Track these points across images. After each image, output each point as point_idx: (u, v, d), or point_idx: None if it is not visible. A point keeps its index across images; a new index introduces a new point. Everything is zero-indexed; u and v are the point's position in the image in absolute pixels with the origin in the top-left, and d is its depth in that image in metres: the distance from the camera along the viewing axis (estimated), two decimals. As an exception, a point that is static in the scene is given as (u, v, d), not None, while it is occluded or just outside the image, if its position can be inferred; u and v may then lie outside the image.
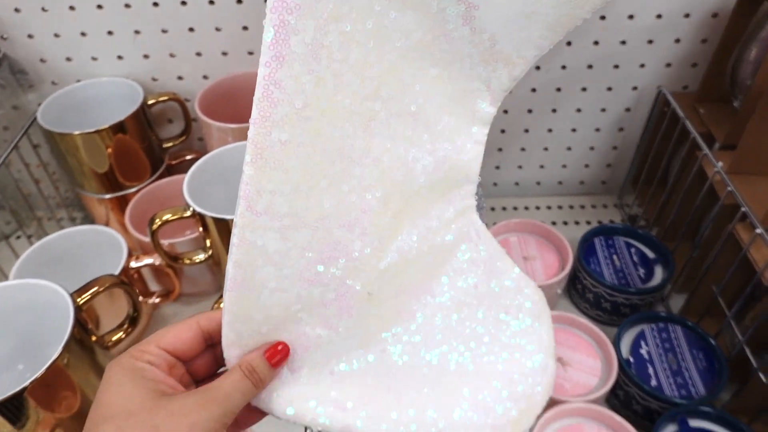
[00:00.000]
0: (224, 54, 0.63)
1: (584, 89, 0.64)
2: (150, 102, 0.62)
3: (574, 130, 0.68)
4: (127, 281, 0.50)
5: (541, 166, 0.72)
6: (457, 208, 0.31)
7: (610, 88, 0.64)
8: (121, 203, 0.63)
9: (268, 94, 0.25)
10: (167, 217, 0.50)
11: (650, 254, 0.60)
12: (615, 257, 0.60)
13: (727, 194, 0.49)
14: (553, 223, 0.71)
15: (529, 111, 0.67)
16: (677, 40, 0.60)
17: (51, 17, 0.60)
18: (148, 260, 0.55)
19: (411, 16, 0.26)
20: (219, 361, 0.28)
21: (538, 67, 0.62)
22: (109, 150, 0.59)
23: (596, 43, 0.60)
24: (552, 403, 0.46)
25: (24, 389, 0.38)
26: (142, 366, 0.25)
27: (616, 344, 0.51)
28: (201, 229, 0.52)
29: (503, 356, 0.30)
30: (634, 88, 0.64)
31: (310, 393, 0.28)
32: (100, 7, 0.59)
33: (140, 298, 0.53)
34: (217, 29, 0.61)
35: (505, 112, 0.67)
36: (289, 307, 0.27)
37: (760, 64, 0.49)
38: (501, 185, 0.74)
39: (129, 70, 0.64)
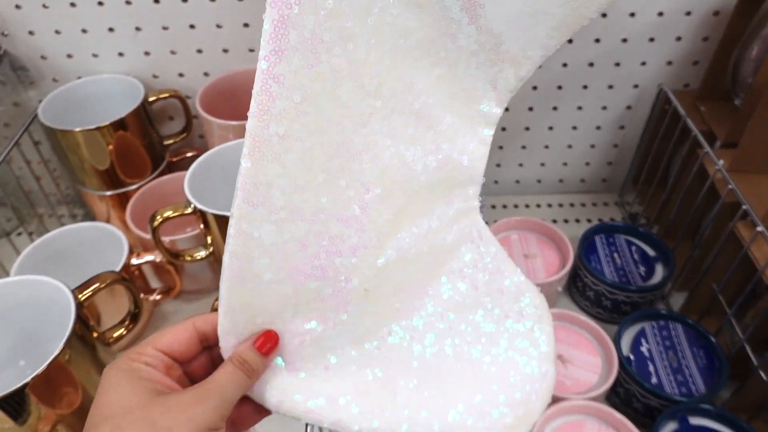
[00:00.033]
0: (225, 51, 0.63)
1: (585, 87, 0.64)
2: (151, 99, 0.62)
3: (574, 128, 0.68)
4: (128, 278, 0.50)
5: (542, 164, 0.72)
6: (460, 208, 0.30)
7: (611, 86, 0.64)
8: (122, 200, 0.63)
9: (266, 88, 0.25)
10: (168, 214, 0.50)
11: (651, 252, 0.60)
12: (616, 255, 0.60)
13: (728, 192, 0.49)
14: (554, 221, 0.71)
15: (530, 109, 0.67)
16: (678, 38, 0.60)
17: (52, 14, 0.60)
18: (149, 257, 0.55)
19: (414, 14, 0.26)
20: (216, 364, 0.28)
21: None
22: (110, 147, 0.59)
23: (597, 40, 0.60)
24: (552, 400, 0.46)
25: (25, 385, 0.39)
26: (138, 367, 0.25)
27: (617, 342, 0.51)
28: (202, 226, 0.52)
29: (501, 360, 0.29)
30: (635, 86, 0.64)
31: (303, 386, 0.28)
32: (100, 3, 0.59)
33: (141, 295, 0.53)
34: (218, 26, 0.61)
35: (506, 109, 0.66)
36: (286, 299, 0.27)
37: (761, 62, 0.49)
38: (502, 183, 0.74)
39: (130, 67, 0.64)
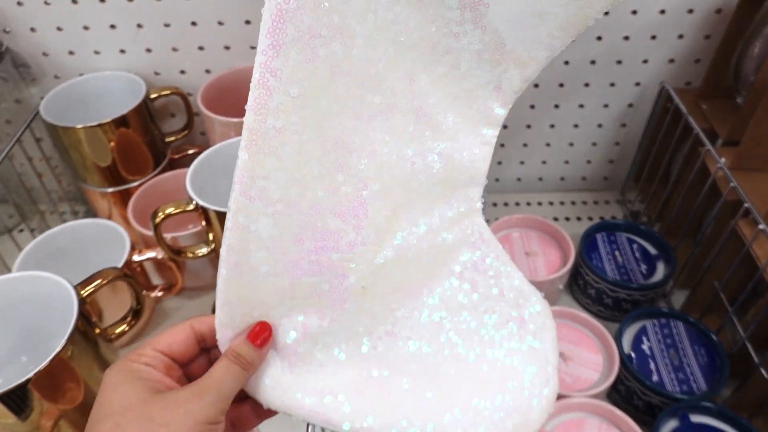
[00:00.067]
0: (227, 48, 0.63)
1: (587, 85, 0.64)
2: (152, 96, 0.62)
3: (576, 125, 0.68)
4: (130, 274, 0.50)
5: (543, 162, 0.72)
6: (462, 209, 0.30)
7: (612, 84, 0.64)
8: (124, 197, 0.63)
9: (264, 82, 0.25)
10: (170, 210, 0.50)
11: (652, 250, 0.60)
12: (617, 253, 0.60)
13: (730, 190, 0.49)
14: (555, 219, 0.71)
15: (532, 106, 0.67)
16: (680, 36, 0.60)
17: (54, 11, 0.60)
18: (150, 254, 0.55)
19: (416, 11, 0.26)
20: None
21: (541, 63, 0.62)
22: (112, 144, 0.59)
23: (599, 38, 0.60)
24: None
25: (28, 381, 0.39)
26: (138, 368, 0.26)
27: (618, 339, 0.51)
28: (204, 222, 0.52)
29: (500, 365, 0.29)
30: (637, 84, 0.64)
31: (296, 382, 0.28)
32: (102, 0, 0.59)
33: (143, 292, 0.53)
34: (220, 23, 0.61)
35: (508, 107, 0.67)
36: (282, 293, 0.28)
37: (763, 60, 0.49)
38: (503, 181, 0.74)
39: (131, 63, 0.64)
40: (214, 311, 0.28)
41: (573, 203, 0.73)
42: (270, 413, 0.29)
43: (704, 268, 0.52)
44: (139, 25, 0.61)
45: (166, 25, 0.61)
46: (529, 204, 0.73)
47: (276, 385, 0.28)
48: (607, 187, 0.74)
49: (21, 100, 0.65)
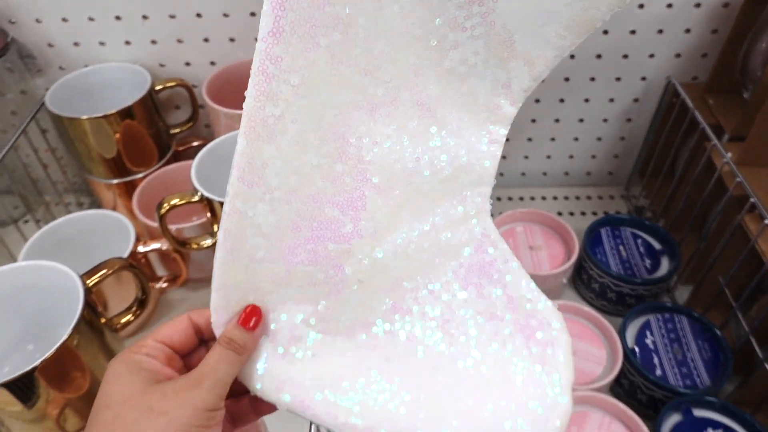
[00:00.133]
0: (232, 40, 0.63)
1: (592, 79, 0.64)
2: (157, 88, 0.62)
3: (581, 120, 0.68)
4: (136, 265, 0.50)
5: (548, 157, 0.72)
6: (468, 209, 0.29)
7: (618, 78, 0.64)
8: (129, 189, 0.63)
9: (263, 69, 0.25)
10: (175, 202, 0.50)
11: (657, 245, 0.60)
12: (621, 248, 0.60)
13: (736, 185, 0.49)
14: (559, 214, 0.70)
15: (537, 101, 0.66)
16: (687, 30, 0.60)
17: (59, 2, 0.60)
18: (155, 245, 0.55)
19: (422, 4, 0.26)
20: None
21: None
22: (117, 135, 0.59)
23: (605, 32, 0.60)
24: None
25: (34, 369, 0.39)
26: (140, 359, 0.26)
27: (622, 334, 0.51)
28: (209, 214, 0.52)
29: (499, 371, 0.27)
30: (643, 79, 0.64)
31: (288, 372, 0.28)
32: (108, -9, 0.59)
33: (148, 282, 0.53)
34: (225, 15, 0.61)
35: (513, 101, 0.67)
36: (278, 279, 0.28)
37: (771, 55, 0.49)
38: (507, 175, 0.74)
39: (137, 55, 0.64)
40: None
41: (577, 198, 0.73)
42: (269, 408, 0.29)
43: (709, 264, 0.52)
44: (145, 17, 0.61)
45: (172, 17, 0.61)
46: (533, 198, 0.73)
47: (267, 374, 0.28)
48: (612, 182, 0.74)
49: (26, 91, 0.65)
